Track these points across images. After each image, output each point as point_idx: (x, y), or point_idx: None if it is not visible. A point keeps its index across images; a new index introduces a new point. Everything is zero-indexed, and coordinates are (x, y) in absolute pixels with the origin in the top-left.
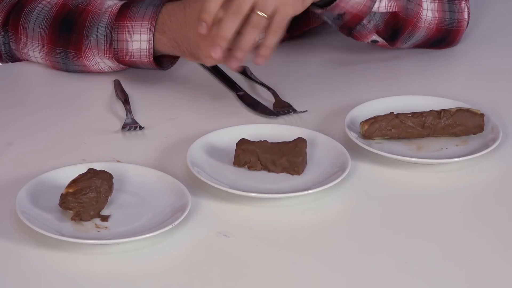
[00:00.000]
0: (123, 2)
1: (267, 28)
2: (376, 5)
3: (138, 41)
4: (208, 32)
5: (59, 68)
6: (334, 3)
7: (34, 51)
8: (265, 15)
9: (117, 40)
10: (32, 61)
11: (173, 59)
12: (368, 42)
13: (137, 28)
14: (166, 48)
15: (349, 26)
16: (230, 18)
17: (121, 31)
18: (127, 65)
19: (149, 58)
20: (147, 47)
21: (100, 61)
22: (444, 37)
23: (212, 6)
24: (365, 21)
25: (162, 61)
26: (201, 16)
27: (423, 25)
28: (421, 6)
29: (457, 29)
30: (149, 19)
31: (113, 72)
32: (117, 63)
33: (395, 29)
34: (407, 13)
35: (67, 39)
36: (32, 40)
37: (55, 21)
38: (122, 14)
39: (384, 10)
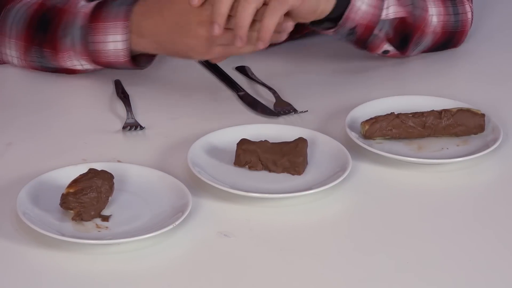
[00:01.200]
0: (97, 1)
1: (266, 9)
2: (384, 13)
3: (113, 42)
4: (211, 35)
5: (35, 67)
6: (344, 15)
7: (11, 49)
8: None
9: (92, 42)
10: (12, 63)
11: (151, 57)
12: (379, 54)
13: (111, 29)
14: (147, 50)
15: (363, 39)
16: None
17: (95, 32)
18: (104, 66)
19: (125, 58)
20: (123, 47)
21: (77, 62)
22: (450, 39)
23: (223, 8)
24: (376, 31)
25: (139, 60)
26: (214, 17)
27: (430, 30)
28: (427, 11)
29: (462, 30)
30: (122, 18)
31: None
32: (94, 64)
33: (404, 36)
34: (415, 18)
35: (43, 38)
36: (9, 39)
37: (32, 20)
38: (95, 15)
39: (392, 17)
